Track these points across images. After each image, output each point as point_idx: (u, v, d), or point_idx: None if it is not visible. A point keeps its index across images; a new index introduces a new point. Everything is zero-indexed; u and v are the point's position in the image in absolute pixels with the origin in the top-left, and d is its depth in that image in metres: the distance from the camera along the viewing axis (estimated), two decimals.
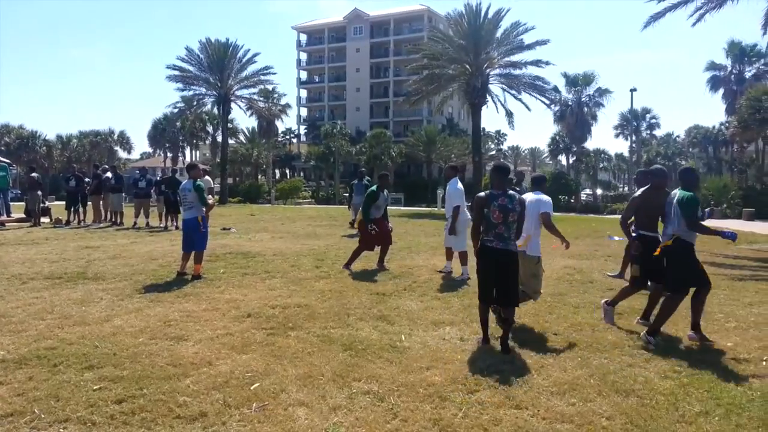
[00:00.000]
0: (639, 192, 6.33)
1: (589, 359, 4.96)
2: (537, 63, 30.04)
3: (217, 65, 39.61)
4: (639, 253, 6.00)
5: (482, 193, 5.36)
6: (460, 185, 8.98)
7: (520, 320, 6.21)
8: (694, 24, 17.98)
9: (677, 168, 75.46)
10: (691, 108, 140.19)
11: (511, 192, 5.29)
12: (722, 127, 57.42)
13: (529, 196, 6.36)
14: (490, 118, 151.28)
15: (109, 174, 17.99)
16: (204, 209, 8.57)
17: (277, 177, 70.77)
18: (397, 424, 3.68)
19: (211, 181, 16.22)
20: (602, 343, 5.44)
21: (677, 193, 5.67)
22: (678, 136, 75.65)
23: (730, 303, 7.33)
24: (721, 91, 50.31)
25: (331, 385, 4.29)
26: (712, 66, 50.49)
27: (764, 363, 4.95)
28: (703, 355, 5.14)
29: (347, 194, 16.49)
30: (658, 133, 73.62)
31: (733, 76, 49.49)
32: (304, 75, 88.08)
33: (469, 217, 8.73)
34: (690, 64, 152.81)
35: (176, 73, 39.49)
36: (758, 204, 27.40)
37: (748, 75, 48.71)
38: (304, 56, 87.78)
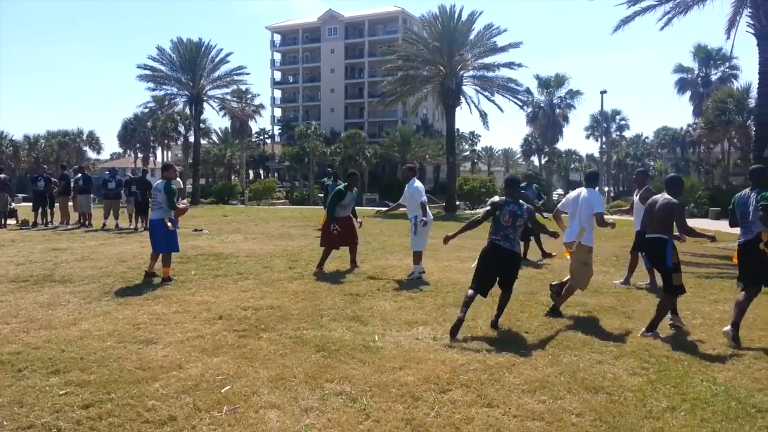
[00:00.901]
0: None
1: (559, 357, 5.02)
2: (510, 65, 30.33)
3: (189, 65, 39.06)
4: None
5: (497, 198, 6.23)
6: (419, 183, 8.93)
7: (492, 318, 6.26)
8: (662, 28, 18.41)
9: (645, 168, 77.08)
10: (659, 110, 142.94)
11: (521, 201, 6.02)
12: (689, 128, 58.77)
13: (583, 192, 6.86)
14: (465, 120, 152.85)
15: (79, 175, 17.63)
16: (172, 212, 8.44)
17: (250, 178, 70.23)
18: (370, 424, 3.68)
19: (180, 182, 16.03)
20: (572, 341, 5.52)
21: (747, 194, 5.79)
22: (647, 138, 77.14)
23: (697, 300, 7.49)
24: (689, 93, 51.53)
25: (304, 386, 4.26)
26: (680, 69, 51.69)
27: (728, 358, 5.07)
28: (670, 351, 5.24)
29: (322, 195, 16.45)
30: (628, 134, 75.05)
31: (699, 78, 50.74)
32: (278, 75, 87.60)
33: (431, 216, 9.03)
34: (659, 67, 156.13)
35: (147, 72, 38.83)
36: (724, 203, 27.95)
37: (714, 78, 50.01)
38: (278, 56, 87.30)
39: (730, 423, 3.73)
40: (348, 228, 9.42)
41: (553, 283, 6.99)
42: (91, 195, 17.82)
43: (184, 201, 8.70)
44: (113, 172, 18.21)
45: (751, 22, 16.05)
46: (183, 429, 3.58)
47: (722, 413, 3.87)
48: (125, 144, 68.80)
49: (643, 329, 5.81)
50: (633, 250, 8.66)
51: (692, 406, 3.99)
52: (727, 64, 49.14)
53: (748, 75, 61.00)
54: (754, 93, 21.74)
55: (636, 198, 8.57)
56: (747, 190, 5.87)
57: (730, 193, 20.25)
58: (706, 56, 49.65)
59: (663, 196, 5.96)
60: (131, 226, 16.44)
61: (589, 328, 5.98)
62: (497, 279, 5.95)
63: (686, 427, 3.67)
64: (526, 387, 4.31)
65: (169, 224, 8.35)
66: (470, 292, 5.84)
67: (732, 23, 18.40)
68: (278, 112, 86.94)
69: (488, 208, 6.09)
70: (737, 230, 5.99)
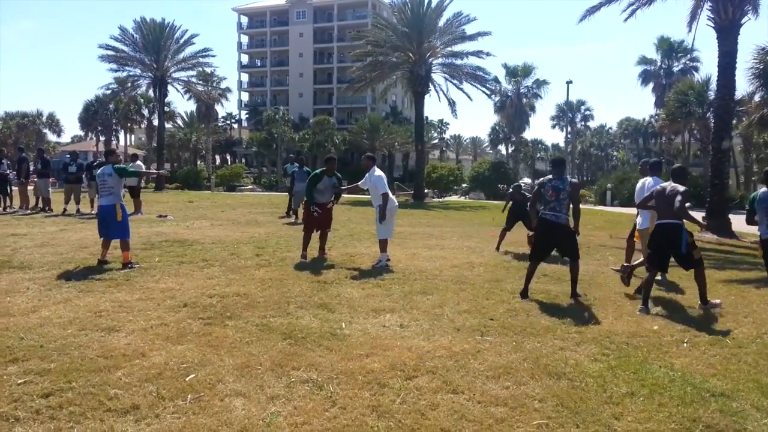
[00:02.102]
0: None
1: (523, 343, 5.11)
2: (478, 54, 30.50)
3: (152, 46, 38.12)
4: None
5: (541, 179, 7.15)
6: (380, 172, 8.99)
7: (458, 305, 6.34)
8: (626, 19, 18.66)
9: (609, 159, 78.74)
10: (623, 101, 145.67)
11: (565, 176, 6.82)
12: (652, 119, 60.10)
13: (648, 181, 8.06)
14: (433, 107, 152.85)
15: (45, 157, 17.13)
16: (122, 197, 8.38)
17: (217, 163, 69.18)
18: (336, 411, 3.69)
19: (143, 166, 15.72)
20: (536, 327, 5.62)
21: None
22: (610, 128, 78.68)
23: (656, 288, 7.69)
24: (651, 84, 52.63)
25: (270, 374, 4.25)
26: (643, 60, 52.68)
27: (685, 345, 5.24)
28: (630, 338, 5.38)
29: (287, 181, 16.36)
30: (592, 124, 76.53)
31: (662, 70, 51.83)
32: (245, 59, 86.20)
33: (396, 204, 9.21)
34: (623, 59, 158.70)
35: (109, 53, 37.75)
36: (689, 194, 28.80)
37: (675, 69, 51.10)
38: (245, 39, 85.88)
39: (686, 407, 3.86)
40: (325, 214, 9.40)
41: (624, 264, 7.79)
42: (50, 179, 17.32)
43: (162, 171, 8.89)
44: (74, 155, 17.70)
45: (712, 16, 16.43)
46: (146, 417, 3.54)
47: (679, 398, 4.01)
48: (86, 126, 66.74)
49: (700, 303, 6.50)
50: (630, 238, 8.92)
51: (650, 391, 4.12)
52: (689, 56, 50.33)
53: (709, 68, 62.65)
54: (713, 86, 22.31)
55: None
56: (765, 189, 6.97)
57: (690, 182, 20.84)
58: (669, 48, 50.70)
59: (670, 184, 6.55)
60: (93, 211, 16.05)
61: (552, 315, 6.09)
62: (555, 249, 7.16)
63: (644, 411, 3.79)
64: (491, 373, 4.38)
65: (120, 212, 8.23)
66: (531, 263, 6.94)
67: (693, 16, 18.81)
68: (245, 97, 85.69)
69: (536, 188, 7.05)
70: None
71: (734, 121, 25.13)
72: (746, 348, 5.17)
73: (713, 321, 6.11)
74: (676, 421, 3.67)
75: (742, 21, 16.27)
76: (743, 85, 30.92)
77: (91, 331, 5.16)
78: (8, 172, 16.93)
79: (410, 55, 30.30)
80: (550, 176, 6.91)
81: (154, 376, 4.15)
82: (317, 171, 9.52)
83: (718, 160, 16.89)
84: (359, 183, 9.35)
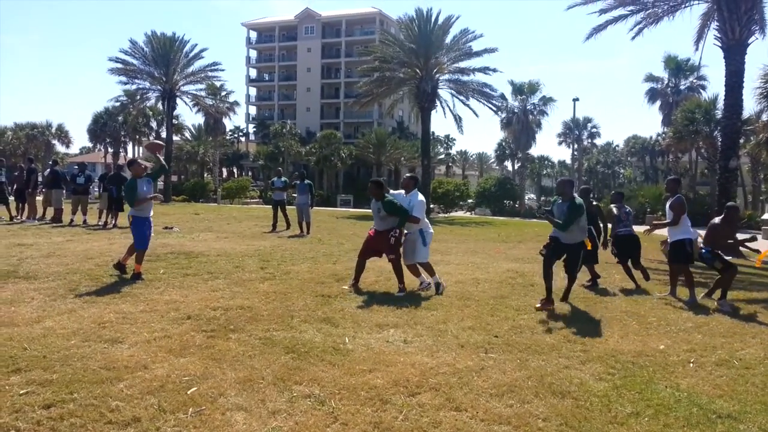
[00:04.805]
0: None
1: (527, 361, 5.07)
2: (485, 70, 30.63)
3: (162, 59, 38.58)
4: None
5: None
6: (422, 197, 8.18)
7: (463, 322, 6.30)
8: (633, 37, 18.78)
9: (616, 176, 78.64)
10: (630, 118, 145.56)
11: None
12: (659, 137, 59.97)
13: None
14: (440, 123, 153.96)
15: (48, 170, 17.27)
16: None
17: (224, 176, 69.45)
18: (337, 427, 3.66)
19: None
20: (541, 345, 5.58)
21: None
22: (617, 146, 78.60)
23: (663, 307, 7.65)
24: (659, 102, 52.56)
25: (272, 388, 4.23)
26: (651, 78, 52.71)
27: (691, 365, 5.19)
28: (635, 357, 5.33)
29: (295, 195, 16.49)
30: (599, 141, 76.30)
31: (669, 88, 51.79)
32: (253, 73, 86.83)
33: (432, 230, 8.34)
34: (630, 76, 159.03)
35: (119, 66, 38.27)
36: (691, 212, 28.70)
37: (683, 88, 51.09)
38: (254, 54, 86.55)
39: (692, 428, 3.81)
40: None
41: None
42: (62, 190, 17.44)
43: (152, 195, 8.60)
44: (82, 166, 17.84)
45: (719, 35, 16.48)
46: (147, 430, 3.52)
47: (684, 419, 3.95)
48: (95, 138, 67.24)
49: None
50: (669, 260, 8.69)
51: (656, 411, 4.07)
52: (696, 74, 50.28)
53: (716, 86, 62.76)
54: (721, 104, 22.31)
55: (667, 206, 8.57)
56: None
57: (697, 201, 20.75)
58: (676, 66, 50.70)
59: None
60: (100, 223, 16.13)
61: (557, 333, 6.05)
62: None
63: None
64: (494, 391, 4.34)
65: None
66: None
67: (700, 35, 18.91)
68: (253, 110, 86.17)
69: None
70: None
71: (742, 141, 25.13)
72: (754, 369, 5.11)
73: (720, 341, 6.05)
74: None
75: (749, 41, 16.32)
76: (751, 104, 30.87)
77: (95, 343, 5.15)
78: (5, 181, 17.03)
79: (417, 70, 30.48)
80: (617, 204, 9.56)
81: (156, 388, 4.14)
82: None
83: (725, 179, 16.84)
84: (405, 205, 7.96)
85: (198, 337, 5.44)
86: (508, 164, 74.89)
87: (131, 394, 4.02)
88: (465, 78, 31.46)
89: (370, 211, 8.31)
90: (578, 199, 7.32)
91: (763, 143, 25.64)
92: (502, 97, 38.83)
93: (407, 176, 8.57)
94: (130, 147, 69.01)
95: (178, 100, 40.89)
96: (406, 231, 8.03)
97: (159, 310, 6.41)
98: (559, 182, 7.73)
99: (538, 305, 7.12)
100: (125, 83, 40.00)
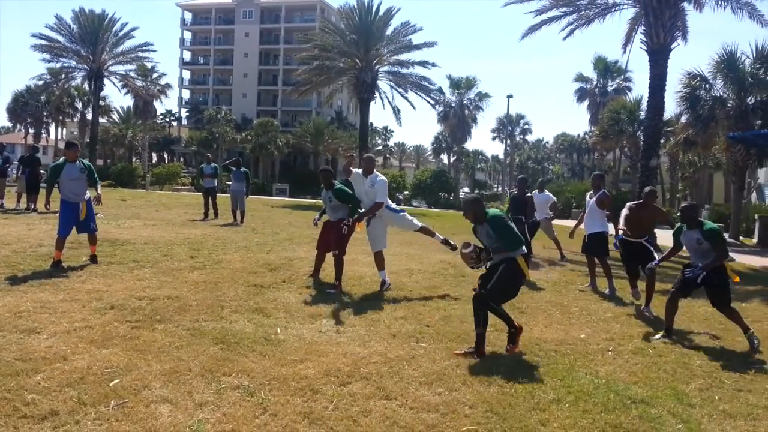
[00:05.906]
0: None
1: (456, 350, 5.18)
2: (424, 64, 30.91)
3: (90, 37, 36.78)
4: None
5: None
6: (383, 177, 7.66)
7: (395, 312, 6.37)
8: (565, 38, 19.45)
9: (545, 172, 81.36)
10: (560, 116, 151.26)
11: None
12: (586, 135, 62.48)
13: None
14: (378, 114, 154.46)
15: None
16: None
17: (153, 161, 67.06)
18: (266, 418, 3.63)
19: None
20: (470, 334, 5.68)
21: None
22: (547, 142, 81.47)
23: (584, 298, 8.00)
24: (587, 102, 54.78)
25: (199, 380, 4.14)
26: (580, 78, 54.81)
27: (609, 353, 5.45)
28: (558, 346, 5.55)
29: (230, 182, 16.15)
30: (530, 138, 78.82)
31: (597, 89, 54.01)
32: (187, 55, 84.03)
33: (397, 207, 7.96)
34: (561, 76, 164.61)
35: (43, 42, 36.23)
36: (614, 208, 30.07)
37: (610, 89, 53.39)
38: (188, 35, 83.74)
39: (608, 414, 4.01)
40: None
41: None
42: None
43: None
44: (0, 147, 16.78)
45: (645, 40, 17.28)
46: (65, 424, 3.38)
47: (602, 404, 4.16)
48: (15, 118, 63.46)
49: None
50: (585, 251, 8.84)
51: (576, 398, 4.25)
52: (623, 76, 52.66)
53: (641, 89, 65.77)
54: (644, 106, 23.48)
55: (592, 201, 8.82)
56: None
57: (619, 197, 21.76)
58: (605, 68, 52.91)
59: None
60: (19, 206, 15.26)
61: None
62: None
63: (570, 418, 3.91)
64: (424, 379, 4.42)
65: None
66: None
67: (628, 39, 19.80)
68: (186, 94, 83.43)
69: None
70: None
71: (662, 141, 26.46)
72: (666, 357, 5.43)
73: (637, 330, 6.38)
74: (599, 427, 3.81)
75: (672, 46, 17.20)
76: (672, 106, 32.63)
77: (9, 333, 4.88)
78: None
79: (357, 61, 30.36)
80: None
81: (76, 380, 3.97)
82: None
83: (646, 177, 17.72)
84: (361, 191, 7.59)
85: (122, 327, 5.25)
86: (444, 157, 76.16)
87: (49, 386, 3.84)
88: (404, 70, 31.64)
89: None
90: (492, 211, 5.65)
91: (681, 144, 27.12)
92: (440, 91, 39.44)
93: (367, 156, 8.05)
94: (52, 128, 65.59)
95: (106, 81, 39.23)
96: (370, 217, 7.53)
97: (80, 299, 6.13)
98: (465, 202, 5.76)
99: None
100: (49, 61, 38.07)
